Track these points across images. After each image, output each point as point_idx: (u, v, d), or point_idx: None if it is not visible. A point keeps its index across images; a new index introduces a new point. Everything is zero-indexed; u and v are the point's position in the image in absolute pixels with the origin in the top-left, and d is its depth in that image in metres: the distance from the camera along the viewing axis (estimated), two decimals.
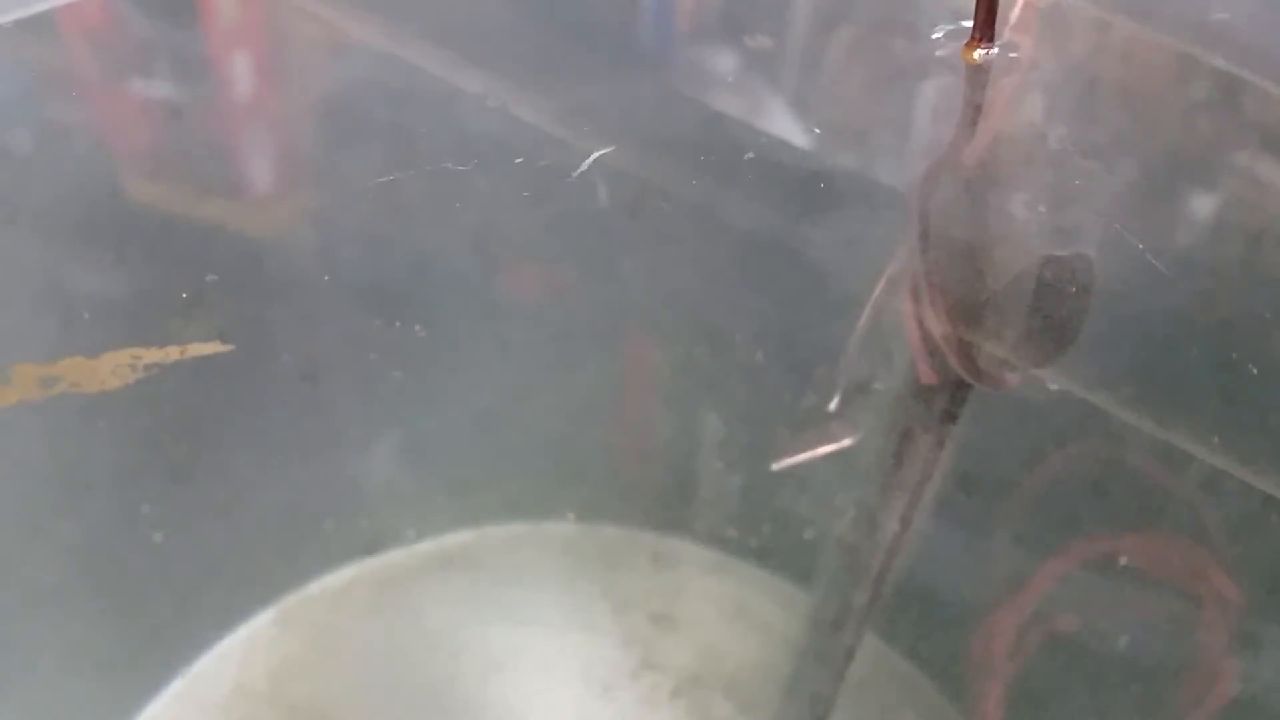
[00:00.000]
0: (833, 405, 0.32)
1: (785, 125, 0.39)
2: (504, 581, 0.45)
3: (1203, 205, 0.40)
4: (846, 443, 0.33)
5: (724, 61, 0.48)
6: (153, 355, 0.44)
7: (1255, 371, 0.35)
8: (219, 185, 0.54)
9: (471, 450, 0.44)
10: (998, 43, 0.27)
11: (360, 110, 0.56)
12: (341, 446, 0.44)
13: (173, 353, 0.44)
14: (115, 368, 0.45)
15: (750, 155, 0.38)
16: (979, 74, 0.26)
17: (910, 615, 0.41)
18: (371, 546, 0.45)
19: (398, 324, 0.47)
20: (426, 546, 0.46)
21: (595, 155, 0.41)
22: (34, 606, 0.41)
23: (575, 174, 0.41)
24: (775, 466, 0.35)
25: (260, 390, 0.44)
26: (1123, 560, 0.38)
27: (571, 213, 0.43)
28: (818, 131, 0.37)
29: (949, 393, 0.28)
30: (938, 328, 0.28)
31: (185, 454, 0.43)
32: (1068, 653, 0.39)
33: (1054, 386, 0.32)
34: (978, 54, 0.26)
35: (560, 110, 0.47)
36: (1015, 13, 0.31)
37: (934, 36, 0.29)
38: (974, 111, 0.27)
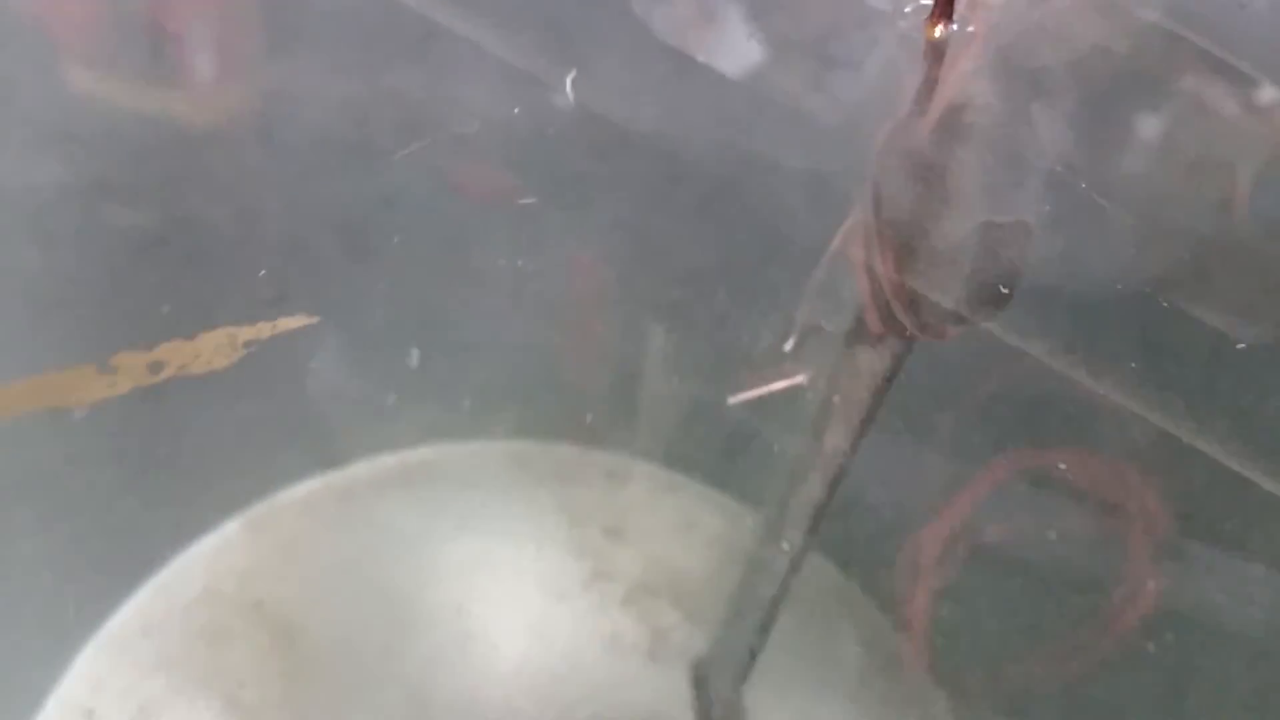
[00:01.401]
0: (788, 345, 0.35)
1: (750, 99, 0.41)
2: (463, 495, 0.47)
3: (1140, 144, 0.43)
4: (799, 380, 0.35)
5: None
6: None
7: (1183, 322, 0.38)
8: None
9: (434, 369, 0.46)
10: (955, 20, 0.28)
11: None
12: (307, 365, 0.46)
13: None
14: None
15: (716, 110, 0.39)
16: (937, 49, 0.28)
17: (850, 533, 0.44)
18: (335, 460, 0.47)
19: (365, 245, 0.48)
20: (388, 460, 0.48)
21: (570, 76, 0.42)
22: (8, 510, 0.42)
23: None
24: (731, 400, 0.37)
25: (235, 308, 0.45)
26: (1035, 484, 0.42)
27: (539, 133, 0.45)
28: (788, 103, 0.39)
29: (894, 341, 0.30)
30: (887, 281, 0.30)
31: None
32: (989, 562, 0.43)
33: (992, 336, 0.35)
34: (938, 31, 0.27)
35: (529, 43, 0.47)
36: None
37: (905, 10, 0.30)
38: (930, 84, 0.29)
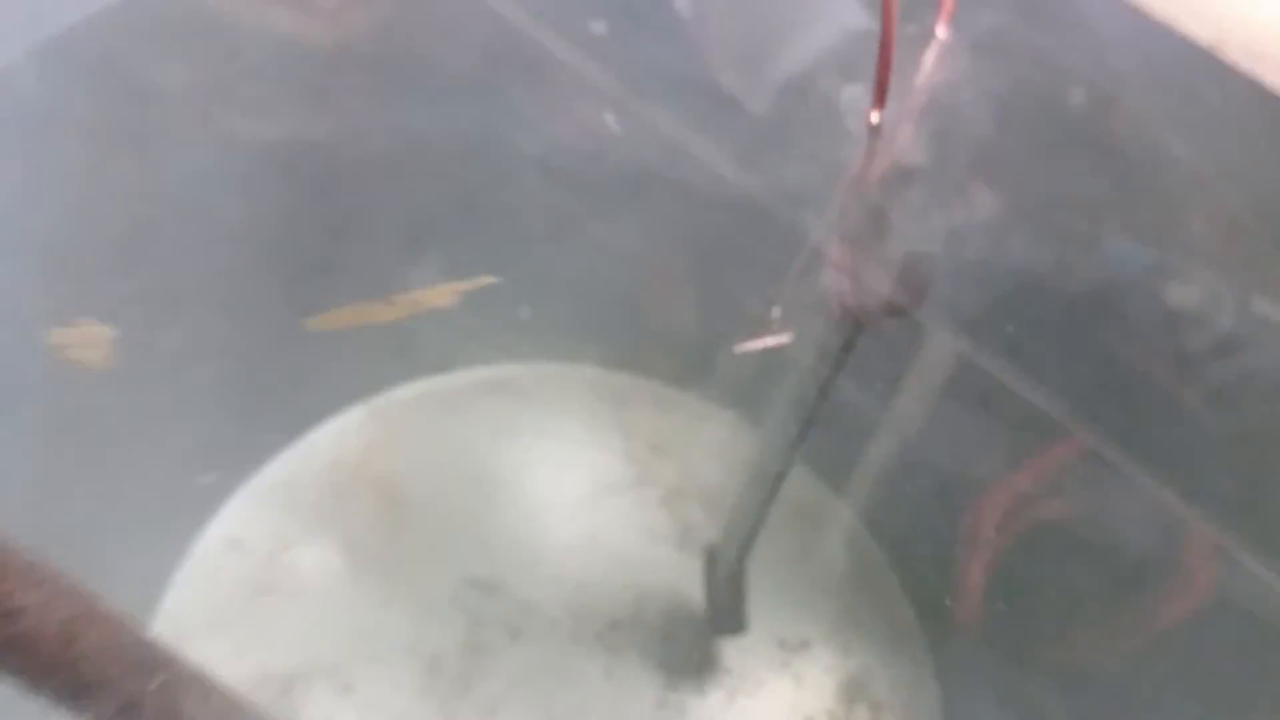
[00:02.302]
0: (774, 313, 0.45)
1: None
2: (541, 406, 0.58)
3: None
4: (784, 339, 0.45)
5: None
6: None
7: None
8: None
9: (528, 299, 0.56)
10: (889, 107, 0.35)
11: None
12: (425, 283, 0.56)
13: None
14: None
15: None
16: (876, 130, 0.35)
17: (835, 459, 0.54)
18: (443, 367, 0.58)
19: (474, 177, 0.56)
20: (483, 373, 0.59)
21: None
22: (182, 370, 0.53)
23: None
24: (737, 350, 0.47)
25: (377, 246, 0.56)
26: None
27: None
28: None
29: (847, 324, 0.40)
30: (846, 287, 0.39)
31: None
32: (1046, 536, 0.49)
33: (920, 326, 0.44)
34: (874, 117, 0.34)
35: None
36: (914, 78, 0.40)
37: (844, 100, 0.37)
38: (870, 156, 0.37)
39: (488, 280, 0.54)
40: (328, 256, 0.53)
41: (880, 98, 0.31)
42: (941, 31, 0.34)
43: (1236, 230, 0.38)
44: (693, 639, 0.52)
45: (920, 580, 0.53)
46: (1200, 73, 0.36)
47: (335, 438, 0.56)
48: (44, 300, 0.43)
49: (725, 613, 0.51)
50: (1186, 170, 0.36)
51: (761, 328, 0.46)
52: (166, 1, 0.44)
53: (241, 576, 0.51)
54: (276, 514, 0.54)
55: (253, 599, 0.51)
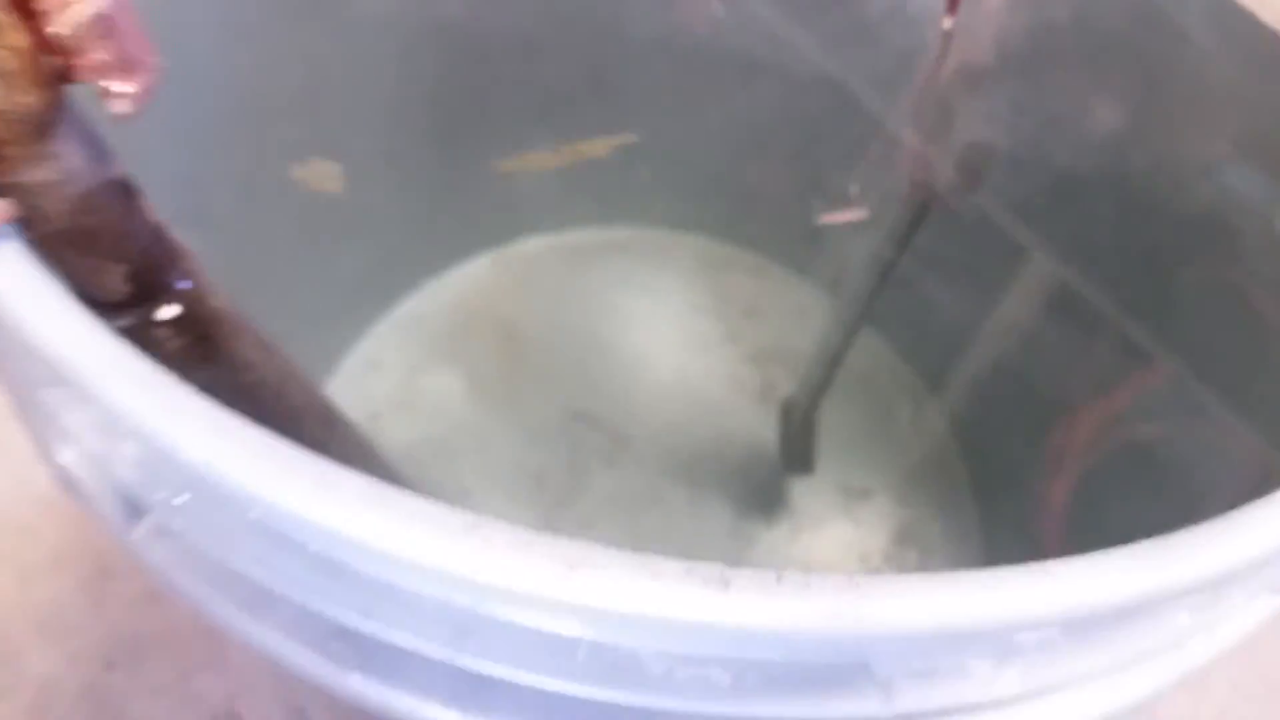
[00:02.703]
0: (853, 189, 0.50)
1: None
2: (648, 267, 0.65)
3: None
4: (863, 214, 0.51)
5: None
6: None
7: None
8: None
9: (643, 164, 0.62)
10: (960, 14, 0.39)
11: None
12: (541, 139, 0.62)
13: None
14: None
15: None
16: (949, 34, 0.39)
17: (904, 326, 0.60)
18: (560, 224, 0.65)
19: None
20: (599, 233, 0.66)
21: None
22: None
23: None
24: (821, 222, 0.53)
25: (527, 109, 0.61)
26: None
27: None
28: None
29: (918, 204, 0.45)
30: (920, 159, 0.44)
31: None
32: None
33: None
34: (947, 23, 0.38)
35: None
36: None
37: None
38: (943, 56, 0.41)
39: (632, 138, 0.60)
40: (490, 115, 0.59)
41: (953, 6, 0.36)
42: None
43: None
44: (765, 478, 0.59)
45: (976, 445, 0.59)
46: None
47: (461, 280, 0.63)
48: (281, 143, 0.50)
49: (796, 456, 0.57)
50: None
51: (843, 203, 0.52)
52: None
53: (379, 393, 0.60)
54: (408, 341, 0.62)
55: (385, 413, 0.59)
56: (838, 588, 0.21)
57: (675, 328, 0.63)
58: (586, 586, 0.21)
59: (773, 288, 0.64)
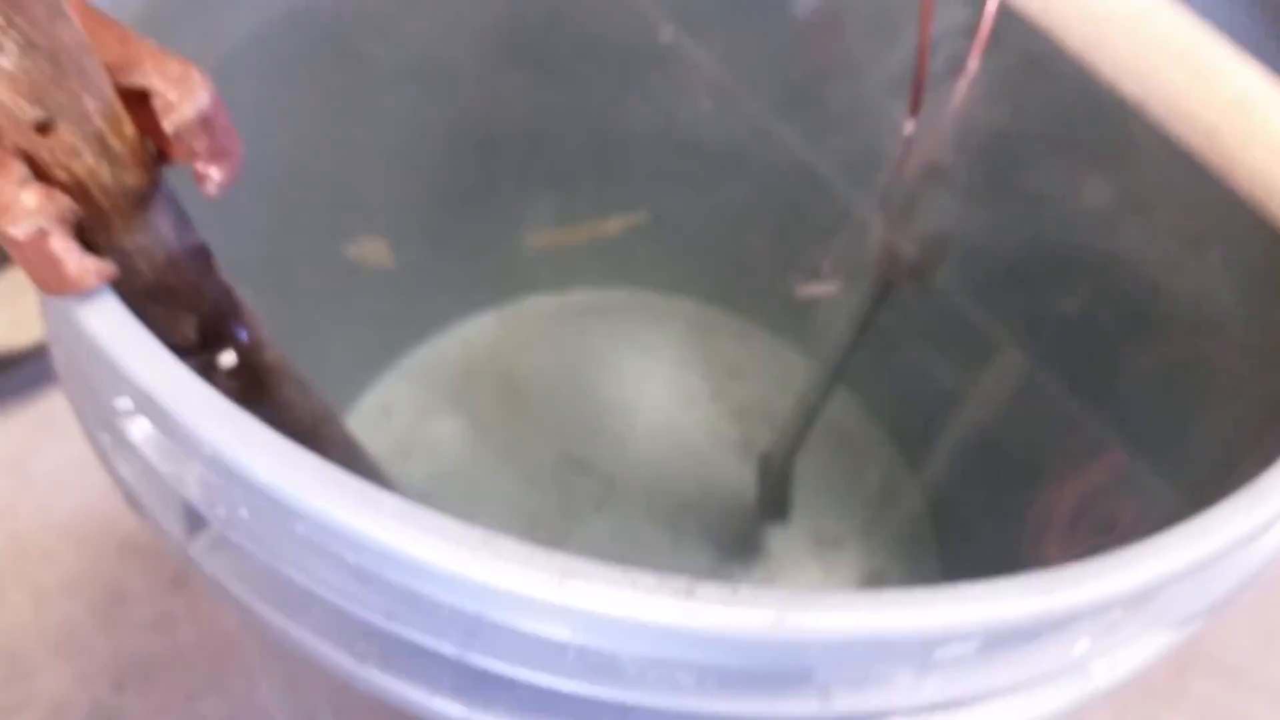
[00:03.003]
0: (825, 268, 0.56)
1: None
2: (642, 328, 0.70)
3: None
4: (833, 290, 0.56)
5: None
6: None
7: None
8: None
9: (642, 238, 0.68)
10: (921, 117, 0.44)
11: None
12: (554, 217, 0.68)
13: None
14: None
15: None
16: (910, 135, 0.44)
17: (877, 389, 0.65)
18: (561, 285, 0.70)
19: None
20: (595, 294, 0.71)
21: None
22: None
23: None
24: (799, 294, 0.59)
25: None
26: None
27: None
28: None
29: (883, 283, 0.50)
30: (881, 252, 0.50)
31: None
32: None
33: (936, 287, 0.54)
34: (909, 125, 0.42)
35: None
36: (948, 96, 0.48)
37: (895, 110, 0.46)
38: (906, 154, 0.46)
39: (642, 218, 0.66)
40: (505, 194, 0.65)
41: (914, 109, 0.42)
42: (973, 63, 0.44)
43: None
44: (744, 525, 0.63)
45: (940, 501, 0.64)
46: None
47: (467, 333, 0.68)
48: (332, 224, 0.56)
49: (772, 505, 0.62)
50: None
51: (818, 278, 0.57)
52: None
53: (389, 438, 0.65)
54: (417, 389, 0.66)
55: (394, 457, 0.64)
56: (783, 599, 0.25)
57: (665, 384, 0.68)
58: (576, 593, 0.25)
59: (756, 350, 0.69)
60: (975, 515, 0.62)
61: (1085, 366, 0.50)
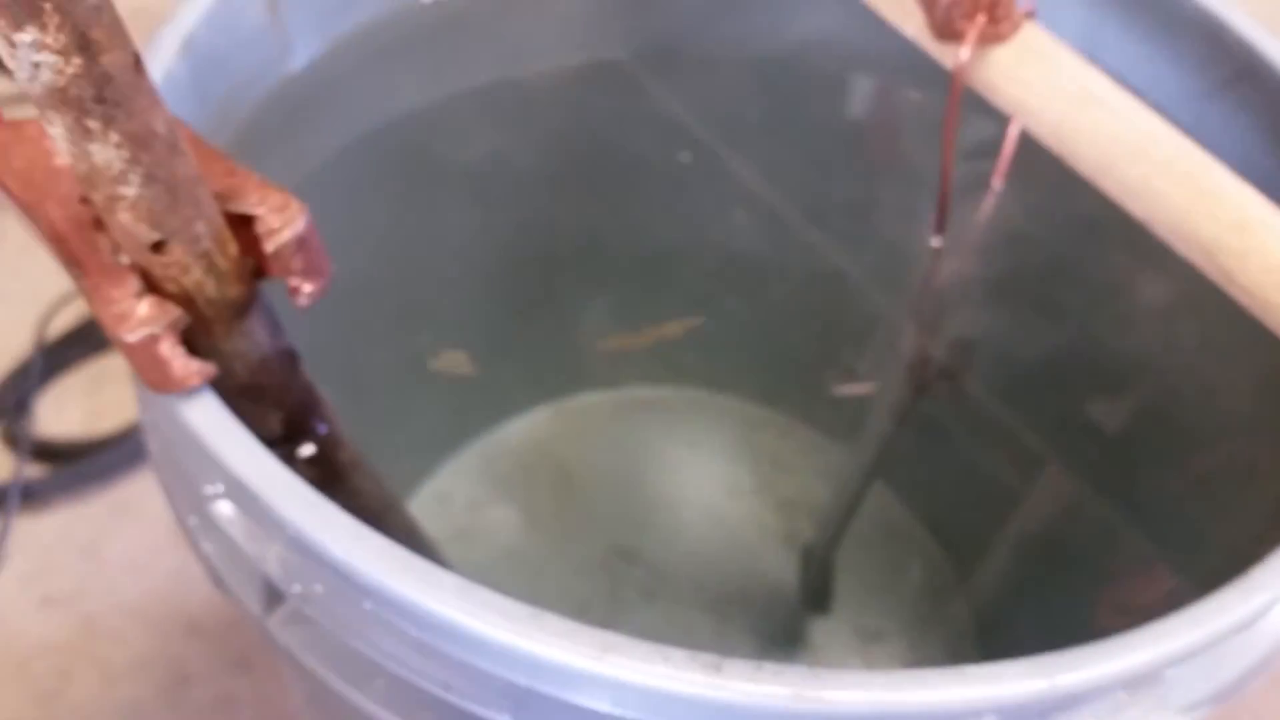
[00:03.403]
0: (863, 367, 0.59)
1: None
2: (688, 422, 0.73)
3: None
4: (869, 389, 0.59)
5: None
6: None
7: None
8: None
9: (691, 339, 0.72)
10: (948, 234, 0.47)
11: None
12: (609, 320, 0.72)
13: None
14: None
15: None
16: (938, 249, 0.48)
17: (915, 486, 0.67)
18: (614, 384, 0.74)
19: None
20: (646, 392, 0.74)
21: None
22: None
23: None
24: (837, 392, 0.62)
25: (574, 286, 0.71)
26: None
27: None
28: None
29: (915, 385, 0.53)
30: (913, 357, 0.53)
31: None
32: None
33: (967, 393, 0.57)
34: (936, 241, 0.45)
35: None
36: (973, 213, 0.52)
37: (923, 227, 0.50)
38: (934, 266, 0.50)
39: (700, 321, 0.70)
40: (569, 301, 0.69)
41: (940, 226, 0.45)
42: (997, 183, 0.47)
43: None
44: (787, 617, 0.66)
45: (979, 597, 0.66)
46: None
47: (525, 428, 0.72)
48: (402, 329, 0.61)
49: (814, 597, 0.64)
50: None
51: (855, 378, 0.60)
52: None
53: (445, 523, 0.68)
54: (474, 478, 0.70)
55: (450, 541, 0.67)
56: (803, 676, 0.28)
57: (711, 477, 0.71)
58: (614, 666, 0.28)
59: (799, 445, 0.72)
60: (1016, 613, 0.64)
61: (1110, 469, 0.53)
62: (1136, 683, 0.33)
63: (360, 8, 0.51)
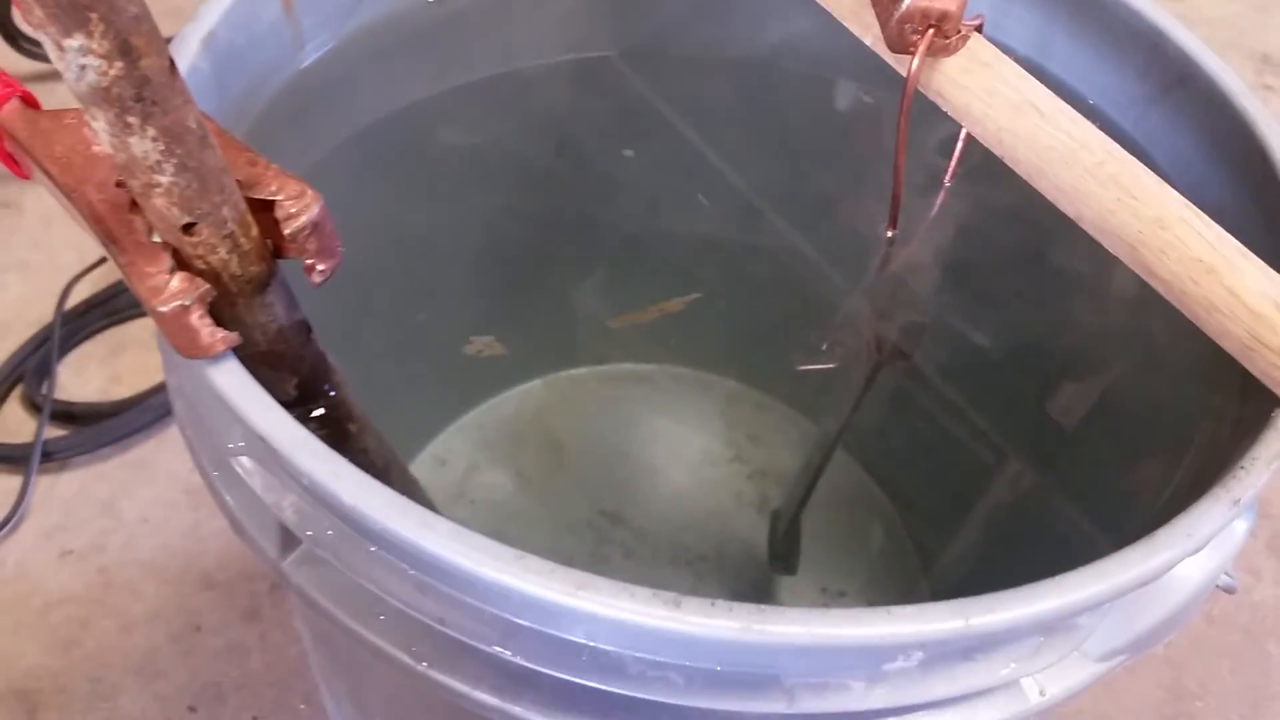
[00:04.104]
0: (824, 346, 0.62)
1: None
2: (671, 397, 0.76)
3: None
4: (831, 365, 0.63)
5: None
6: None
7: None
8: None
9: (674, 321, 0.75)
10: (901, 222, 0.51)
11: None
12: (601, 301, 0.75)
13: None
14: None
15: None
16: (891, 240, 0.51)
17: (876, 456, 0.70)
18: (602, 360, 0.77)
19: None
20: (630, 367, 0.77)
21: None
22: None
23: None
24: (799, 368, 0.66)
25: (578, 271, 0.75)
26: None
27: None
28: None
29: (872, 362, 0.57)
30: (869, 336, 0.56)
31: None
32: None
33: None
34: (890, 233, 0.48)
35: None
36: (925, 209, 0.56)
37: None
38: (887, 255, 0.53)
39: (698, 295, 0.73)
40: (561, 282, 0.72)
41: (893, 220, 0.48)
42: (947, 181, 0.50)
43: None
44: (757, 576, 0.69)
45: (932, 557, 0.70)
46: None
47: (518, 399, 0.75)
48: (404, 304, 0.64)
49: (782, 559, 0.68)
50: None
51: (817, 356, 0.64)
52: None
53: (443, 485, 0.71)
54: (470, 445, 0.73)
55: (447, 502, 0.71)
56: (751, 611, 0.32)
57: (690, 447, 0.74)
58: (587, 600, 0.32)
59: (772, 419, 0.75)
60: (967, 573, 0.67)
61: (1046, 442, 0.56)
62: (1050, 629, 0.37)
63: (369, 6, 0.53)
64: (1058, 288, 0.54)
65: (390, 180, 0.59)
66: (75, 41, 0.27)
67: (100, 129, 0.30)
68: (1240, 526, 0.42)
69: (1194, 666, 0.81)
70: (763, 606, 0.32)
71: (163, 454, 0.86)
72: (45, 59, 1.07)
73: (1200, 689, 0.80)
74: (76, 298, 0.93)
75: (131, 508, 0.84)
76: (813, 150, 0.62)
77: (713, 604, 0.32)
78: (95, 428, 0.85)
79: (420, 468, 0.72)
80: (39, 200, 1.02)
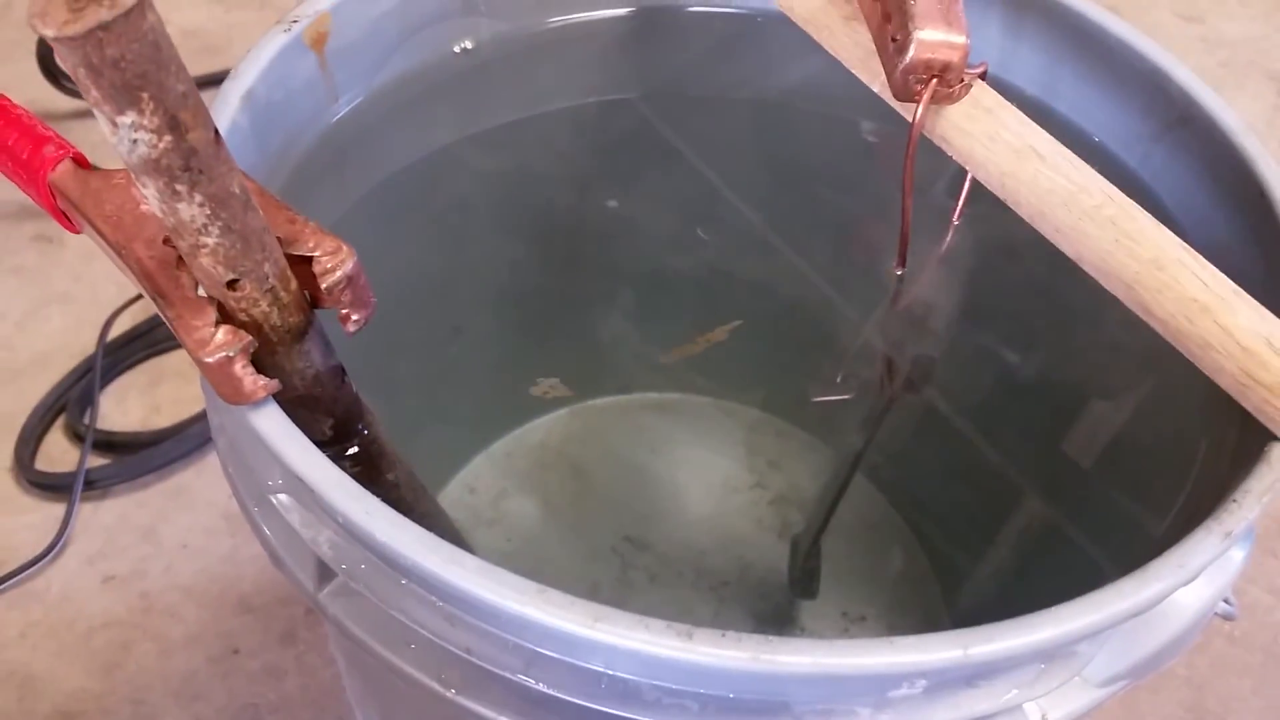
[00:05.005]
0: (839, 379, 0.64)
1: None
2: (692, 424, 0.78)
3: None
4: (847, 396, 0.64)
5: None
6: None
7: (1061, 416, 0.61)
8: None
9: (720, 349, 0.77)
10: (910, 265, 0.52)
11: None
12: (624, 335, 0.77)
13: None
14: None
15: None
16: (900, 278, 0.52)
17: (894, 482, 0.72)
18: (625, 389, 0.79)
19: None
20: (655, 396, 0.80)
21: None
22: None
23: None
24: (815, 399, 0.68)
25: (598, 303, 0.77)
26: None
27: None
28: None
29: (888, 390, 0.58)
30: (882, 370, 0.58)
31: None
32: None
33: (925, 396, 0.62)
34: (898, 271, 0.50)
35: None
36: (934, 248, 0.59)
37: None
38: (897, 293, 0.55)
39: (739, 323, 0.75)
40: (583, 319, 0.75)
41: (902, 259, 0.50)
42: (955, 218, 0.52)
43: None
44: (779, 600, 0.71)
45: (952, 583, 0.71)
46: None
47: (544, 428, 0.78)
48: (435, 342, 0.66)
49: (803, 584, 0.70)
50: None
51: (833, 388, 0.66)
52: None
53: (473, 511, 0.74)
54: (499, 473, 0.76)
55: (477, 527, 0.73)
56: (759, 642, 0.34)
57: (712, 474, 0.76)
58: (603, 632, 0.34)
59: (793, 446, 0.77)
60: (985, 597, 0.69)
61: (1054, 471, 0.58)
62: (1050, 656, 0.38)
63: (399, 58, 0.56)
64: (1067, 322, 0.56)
65: (420, 222, 0.61)
66: (128, 119, 0.29)
67: (151, 195, 0.32)
68: (1237, 555, 0.43)
69: (1216, 686, 0.81)
70: (770, 637, 0.33)
71: (201, 482, 0.89)
72: None
73: (1222, 709, 0.81)
74: (117, 329, 0.96)
75: (171, 534, 0.87)
76: (826, 186, 0.64)
77: (723, 635, 0.34)
78: (136, 456, 0.88)
79: (450, 494, 0.74)
80: (82, 235, 1.05)
